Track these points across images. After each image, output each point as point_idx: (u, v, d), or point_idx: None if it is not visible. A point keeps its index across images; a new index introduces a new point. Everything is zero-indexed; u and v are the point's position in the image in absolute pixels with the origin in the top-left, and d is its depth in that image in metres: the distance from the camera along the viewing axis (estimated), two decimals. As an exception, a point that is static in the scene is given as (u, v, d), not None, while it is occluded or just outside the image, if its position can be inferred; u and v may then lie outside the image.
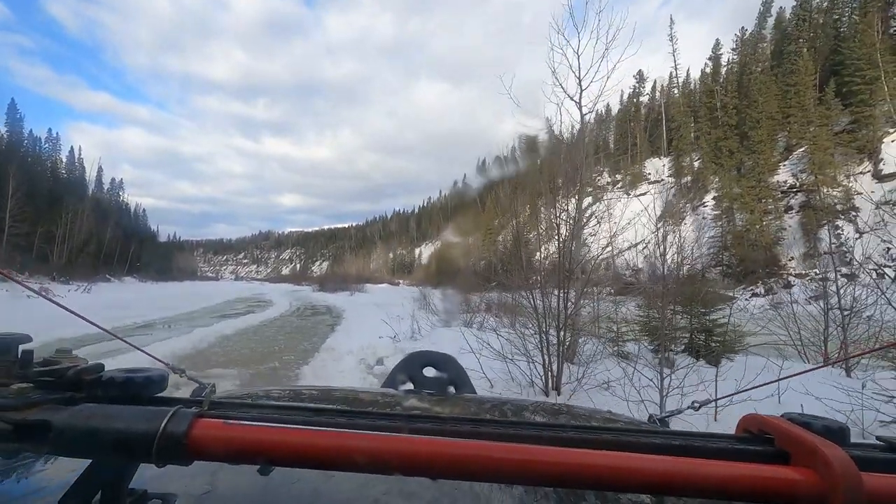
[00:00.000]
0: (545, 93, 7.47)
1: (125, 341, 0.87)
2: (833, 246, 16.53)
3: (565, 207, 7.12)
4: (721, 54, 48.55)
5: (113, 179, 72.40)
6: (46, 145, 57.30)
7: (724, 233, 29.54)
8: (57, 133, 56.53)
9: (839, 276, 7.15)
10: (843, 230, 21.64)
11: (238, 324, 14.11)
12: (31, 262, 41.18)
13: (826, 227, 21.27)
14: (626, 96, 61.19)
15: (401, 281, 33.90)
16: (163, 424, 0.35)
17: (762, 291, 26.11)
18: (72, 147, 66.95)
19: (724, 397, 0.88)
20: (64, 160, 59.10)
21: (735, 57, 45.88)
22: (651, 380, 4.49)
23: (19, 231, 41.15)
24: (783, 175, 29.41)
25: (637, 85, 59.11)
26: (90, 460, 0.38)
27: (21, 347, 0.41)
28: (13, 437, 0.36)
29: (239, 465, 0.39)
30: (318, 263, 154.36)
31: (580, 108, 7.50)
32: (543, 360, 5.34)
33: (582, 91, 7.30)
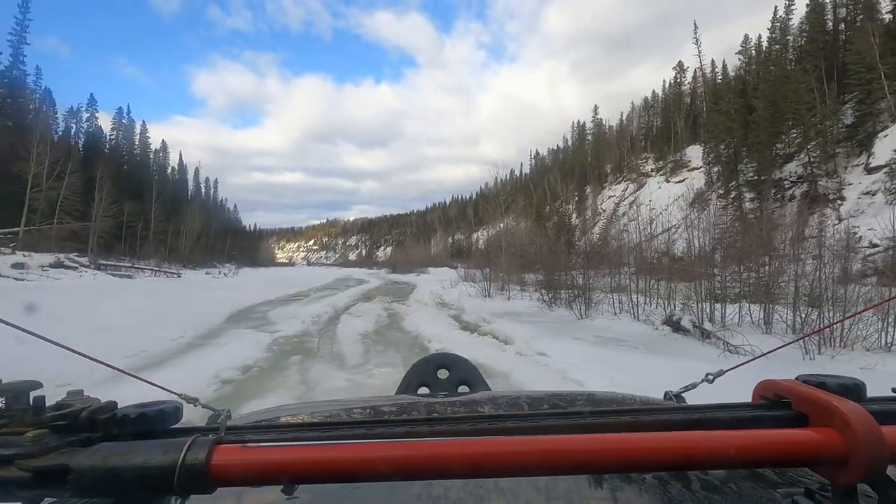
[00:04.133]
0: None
1: (135, 376, 0.74)
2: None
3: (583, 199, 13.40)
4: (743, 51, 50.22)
5: (208, 179, 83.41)
6: (160, 154, 68.67)
7: (732, 220, 33.01)
8: (165, 142, 67.10)
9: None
10: (828, 217, 25.75)
11: (358, 290, 22.08)
12: (166, 253, 51.75)
13: (815, 215, 25.10)
14: (667, 85, 64.08)
15: (458, 265, 40.36)
16: (182, 455, 0.35)
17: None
18: (180, 153, 78.08)
19: (737, 366, 0.78)
20: (175, 167, 70.23)
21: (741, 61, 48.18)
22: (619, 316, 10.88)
23: (158, 229, 51.66)
24: (794, 166, 31.89)
25: (677, 74, 62.05)
26: (112, 500, 0.37)
27: (32, 394, 0.41)
28: (33, 485, 0.35)
29: (262, 487, 0.39)
30: (381, 249, 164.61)
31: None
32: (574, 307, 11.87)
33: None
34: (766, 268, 9.64)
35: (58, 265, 23.64)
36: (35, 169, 31.49)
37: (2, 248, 23.76)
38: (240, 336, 7.96)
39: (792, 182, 31.10)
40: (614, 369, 5.62)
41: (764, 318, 8.75)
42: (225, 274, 41.81)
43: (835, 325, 6.88)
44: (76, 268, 24.65)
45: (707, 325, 8.58)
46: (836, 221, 24.32)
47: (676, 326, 8.85)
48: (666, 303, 10.84)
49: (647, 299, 11.75)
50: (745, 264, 10.34)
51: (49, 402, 0.42)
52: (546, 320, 11.37)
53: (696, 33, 55.22)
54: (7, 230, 27.20)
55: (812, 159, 29.27)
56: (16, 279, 18.93)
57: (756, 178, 32.38)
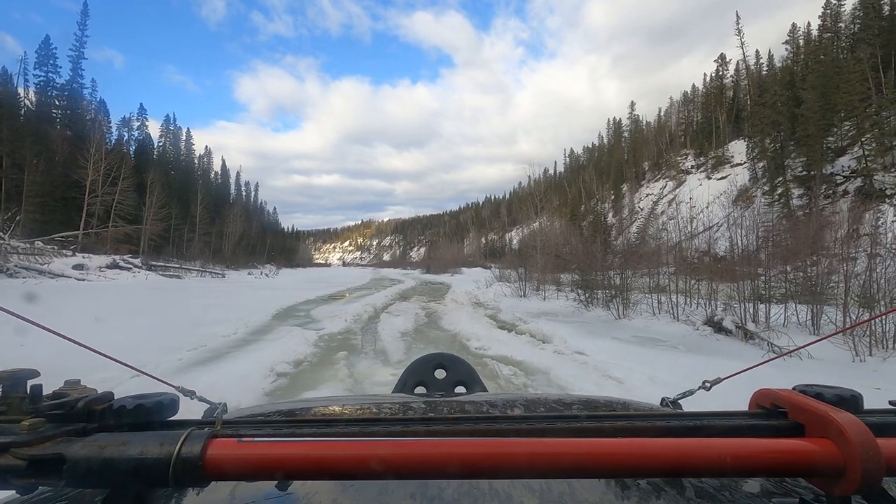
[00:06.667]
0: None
1: (136, 369, 0.81)
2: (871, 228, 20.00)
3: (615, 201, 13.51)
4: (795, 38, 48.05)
5: (248, 183, 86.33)
6: (204, 159, 71.63)
7: (778, 217, 31.42)
8: (209, 148, 69.81)
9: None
10: (884, 213, 24.44)
11: (394, 289, 22.55)
12: (210, 254, 53.92)
13: (870, 212, 23.88)
14: (709, 79, 62.02)
15: (492, 265, 40.45)
16: (177, 447, 0.35)
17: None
18: (223, 158, 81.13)
19: (736, 374, 0.78)
20: (218, 171, 73.03)
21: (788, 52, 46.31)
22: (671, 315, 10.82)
23: (202, 231, 53.90)
24: (846, 160, 30.85)
25: (719, 67, 59.84)
26: (107, 490, 0.37)
27: (30, 383, 0.41)
28: (28, 473, 0.36)
29: (256, 482, 0.39)
30: (415, 249, 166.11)
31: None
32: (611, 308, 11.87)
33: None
34: (816, 267, 9.34)
35: (113, 266, 25.09)
36: (92, 176, 33.52)
37: (64, 251, 25.37)
38: (288, 333, 8.34)
39: (845, 177, 29.61)
40: (654, 368, 5.64)
41: (811, 318, 8.51)
42: (266, 274, 43.28)
43: (873, 327, 6.66)
44: (130, 269, 26.08)
45: (750, 326, 8.41)
46: (894, 218, 23.09)
47: (718, 327, 8.71)
48: (707, 303, 10.64)
49: (688, 299, 11.57)
50: (792, 263, 10.05)
51: (46, 391, 0.43)
52: (583, 320, 11.38)
53: (738, 24, 53.44)
54: (68, 233, 29.06)
55: (867, 153, 27.78)
56: (77, 279, 20.24)
57: (805, 173, 31.04)
